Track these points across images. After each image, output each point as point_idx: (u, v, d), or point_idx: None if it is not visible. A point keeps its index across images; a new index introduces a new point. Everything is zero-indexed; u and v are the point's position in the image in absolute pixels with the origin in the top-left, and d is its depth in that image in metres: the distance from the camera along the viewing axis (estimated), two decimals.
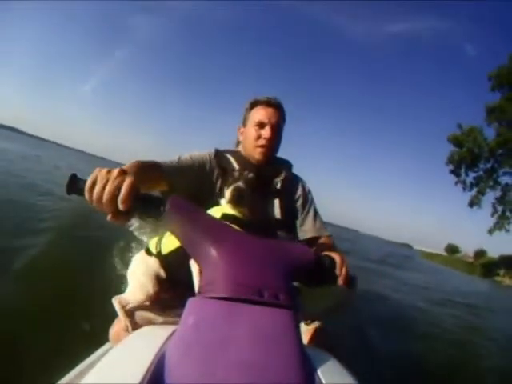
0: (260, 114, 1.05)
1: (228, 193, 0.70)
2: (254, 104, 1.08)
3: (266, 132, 1.02)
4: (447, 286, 8.80)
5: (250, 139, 1.05)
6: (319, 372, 0.45)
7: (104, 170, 0.55)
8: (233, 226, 0.62)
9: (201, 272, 0.51)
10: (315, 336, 0.83)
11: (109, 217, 0.56)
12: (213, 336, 0.40)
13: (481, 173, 15.56)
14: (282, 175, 0.98)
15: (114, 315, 0.88)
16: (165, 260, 0.78)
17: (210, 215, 0.60)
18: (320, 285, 0.69)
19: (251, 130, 1.05)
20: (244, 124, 1.11)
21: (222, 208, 0.74)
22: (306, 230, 1.06)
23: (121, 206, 0.52)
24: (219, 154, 1.06)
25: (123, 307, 0.84)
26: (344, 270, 0.66)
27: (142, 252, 0.89)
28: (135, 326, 0.81)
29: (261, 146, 1.04)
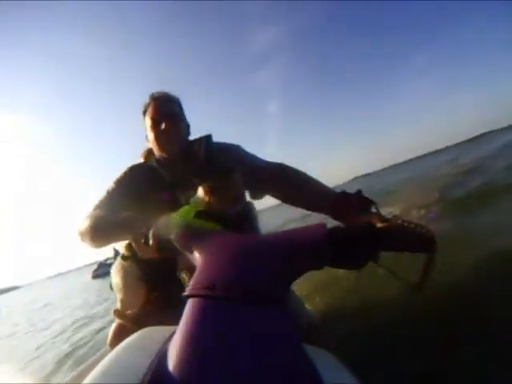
0: (150, 113, 1.04)
1: (200, 191, 0.70)
2: (145, 109, 1.07)
3: (162, 125, 1.01)
4: None
5: (153, 141, 1.05)
6: (319, 371, 0.44)
7: (139, 241, 0.68)
8: (208, 220, 0.68)
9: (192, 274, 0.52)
10: (315, 335, 0.83)
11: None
12: (212, 336, 0.40)
13: None
14: (193, 155, 0.99)
15: (113, 319, 0.93)
16: (140, 261, 0.78)
17: (200, 227, 0.64)
18: (362, 261, 0.52)
19: (150, 133, 1.04)
20: (146, 131, 1.10)
21: (190, 207, 0.75)
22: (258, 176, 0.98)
23: (153, 253, 0.64)
24: (136, 167, 1.09)
25: (123, 316, 0.86)
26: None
27: (118, 259, 0.90)
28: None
29: (165, 142, 1.02)
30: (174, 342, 0.43)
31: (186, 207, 0.77)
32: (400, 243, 0.53)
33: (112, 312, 0.90)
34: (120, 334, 0.84)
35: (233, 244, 0.53)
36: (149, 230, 0.65)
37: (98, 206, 0.98)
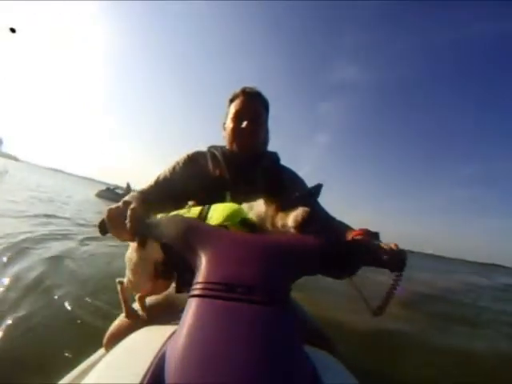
0: (236, 105, 1.01)
1: (294, 217, 0.59)
2: (233, 97, 1.04)
3: (244, 123, 0.97)
4: None
5: (229, 133, 1.01)
6: (319, 372, 0.45)
7: (113, 208, 0.64)
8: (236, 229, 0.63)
9: (194, 273, 0.51)
10: (315, 336, 0.82)
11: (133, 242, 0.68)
12: (212, 336, 0.39)
13: None
14: (264, 165, 0.94)
15: (110, 319, 0.91)
16: (162, 246, 0.73)
17: (202, 223, 0.61)
18: (346, 272, 0.57)
19: (229, 124, 1.01)
20: (226, 119, 1.06)
21: (240, 210, 0.68)
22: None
23: (129, 229, 0.60)
24: (196, 155, 1.05)
25: (123, 292, 0.86)
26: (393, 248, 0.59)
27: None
28: (133, 315, 0.85)
29: (240, 138, 0.99)
30: (174, 341, 0.42)
31: (237, 207, 0.69)
32: (377, 261, 0.59)
33: (117, 281, 0.87)
34: (116, 336, 0.83)
35: (234, 244, 0.52)
36: (127, 208, 0.61)
37: (143, 197, 0.94)
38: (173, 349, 0.41)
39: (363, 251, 0.58)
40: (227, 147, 1.04)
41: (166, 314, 0.84)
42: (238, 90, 1.03)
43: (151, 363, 0.42)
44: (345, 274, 0.58)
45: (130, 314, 0.85)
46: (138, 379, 0.39)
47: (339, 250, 0.55)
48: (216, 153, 1.03)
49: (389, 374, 1.96)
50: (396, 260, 0.59)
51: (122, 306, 0.86)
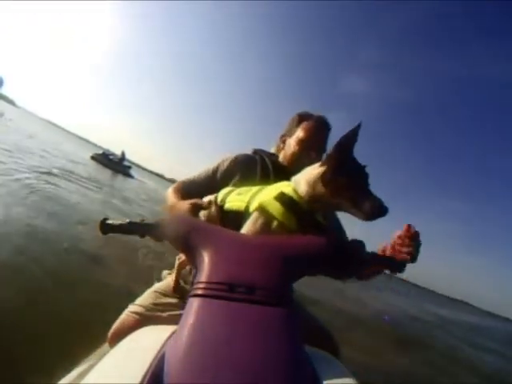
0: (306, 132, 1.02)
1: (367, 206, 0.55)
2: (302, 118, 1.05)
3: (313, 154, 0.99)
4: None
5: (289, 154, 1.04)
6: (320, 372, 0.45)
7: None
8: (287, 209, 0.61)
9: (196, 273, 0.51)
10: (318, 336, 0.82)
11: None
12: (212, 336, 0.40)
13: None
14: None
15: (114, 316, 0.91)
16: (224, 213, 0.75)
17: (203, 223, 0.61)
18: (353, 272, 0.58)
19: (293, 146, 1.03)
20: (289, 135, 1.08)
21: (284, 185, 0.66)
22: None
23: None
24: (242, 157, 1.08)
25: (179, 268, 0.95)
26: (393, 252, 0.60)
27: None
28: (179, 291, 0.93)
29: (301, 166, 0.97)
30: (174, 341, 0.42)
31: (274, 185, 0.69)
32: (379, 262, 0.61)
33: (177, 258, 0.97)
34: (120, 333, 0.85)
35: (236, 245, 0.53)
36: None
37: (183, 187, 1.04)
38: (173, 349, 0.41)
39: (364, 252, 0.59)
40: (280, 159, 1.08)
41: (166, 313, 0.87)
42: (311, 113, 1.06)
43: (151, 363, 0.41)
44: (346, 275, 0.59)
45: (177, 289, 0.94)
46: (138, 379, 0.39)
47: (340, 251, 0.56)
48: (266, 160, 1.05)
49: None
50: (397, 262, 0.61)
51: (173, 279, 0.95)
